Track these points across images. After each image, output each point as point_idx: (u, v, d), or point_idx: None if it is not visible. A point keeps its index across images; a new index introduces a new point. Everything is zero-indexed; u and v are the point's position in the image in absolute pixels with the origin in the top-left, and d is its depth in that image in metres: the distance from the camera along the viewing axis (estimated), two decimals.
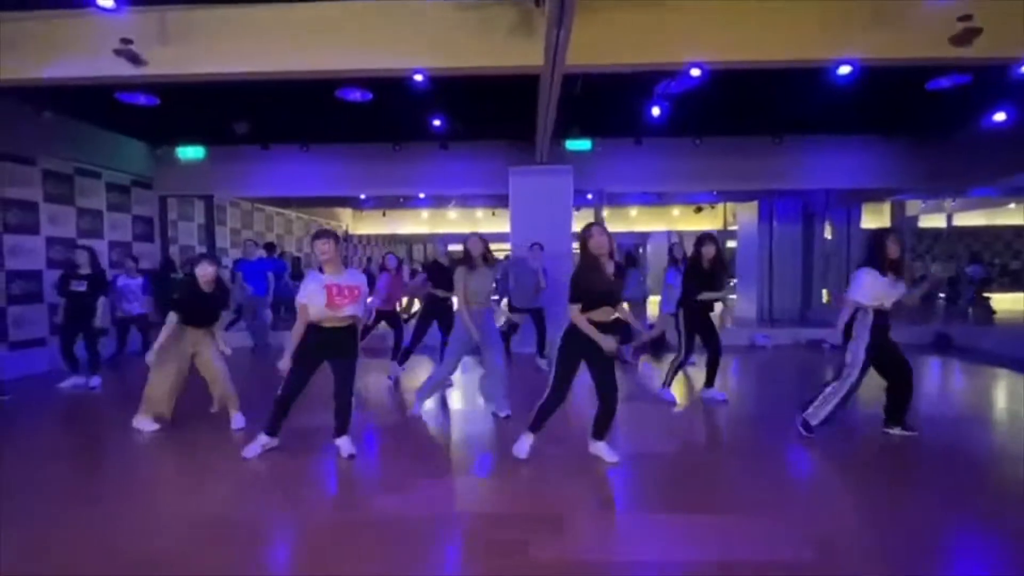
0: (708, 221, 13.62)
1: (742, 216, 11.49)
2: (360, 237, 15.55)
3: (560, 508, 2.86)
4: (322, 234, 3.37)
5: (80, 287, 5.48)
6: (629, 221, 14.40)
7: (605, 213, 9.09)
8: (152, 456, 3.81)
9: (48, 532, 2.64)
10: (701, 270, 4.67)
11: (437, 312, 5.52)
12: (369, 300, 4.70)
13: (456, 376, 5.17)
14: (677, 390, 5.07)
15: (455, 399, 5.15)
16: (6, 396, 5.21)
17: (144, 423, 4.17)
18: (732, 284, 11.35)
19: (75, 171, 7.11)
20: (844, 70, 4.53)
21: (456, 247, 5.79)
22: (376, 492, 3.16)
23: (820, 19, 4.16)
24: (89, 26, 4.32)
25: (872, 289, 3.61)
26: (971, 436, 3.99)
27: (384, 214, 15.04)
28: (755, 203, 10.64)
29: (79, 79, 4.51)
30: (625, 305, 3.46)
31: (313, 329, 3.42)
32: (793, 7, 4.23)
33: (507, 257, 7.52)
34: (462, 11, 4.47)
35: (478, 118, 6.89)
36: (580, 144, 7.72)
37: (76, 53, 4.38)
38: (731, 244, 12.58)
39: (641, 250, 14.75)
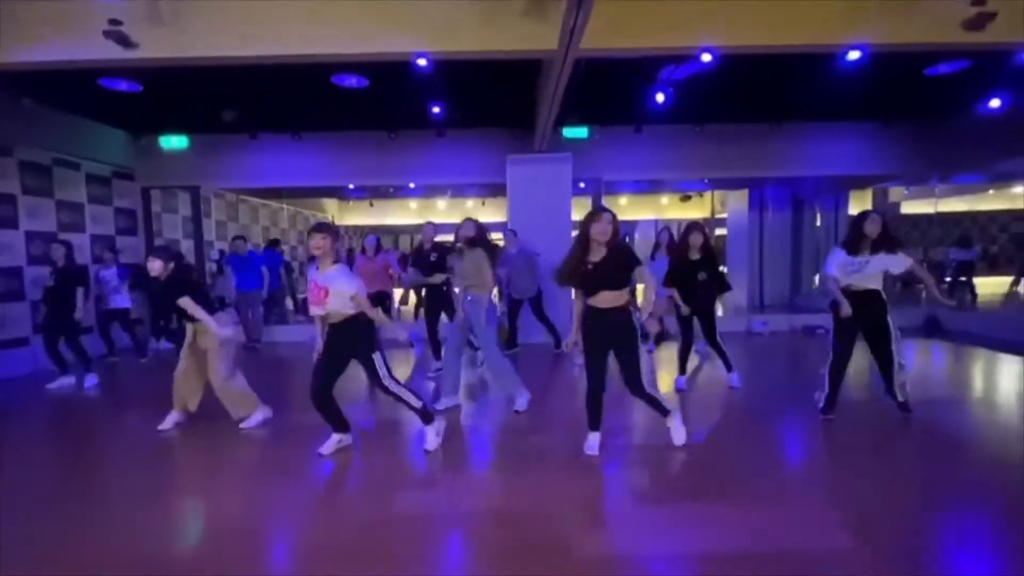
0: (696, 209, 13.70)
1: (732, 204, 11.57)
2: (347, 228, 15.24)
3: (595, 502, 2.82)
4: (320, 228, 3.26)
5: (51, 282, 5.31)
6: (618, 210, 14.34)
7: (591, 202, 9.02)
8: (151, 459, 3.66)
9: (61, 537, 2.50)
10: (687, 259, 4.64)
11: (437, 301, 5.44)
12: None
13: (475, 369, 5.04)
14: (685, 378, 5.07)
15: (475, 393, 5.06)
16: None
17: (167, 419, 4.05)
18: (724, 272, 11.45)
19: (53, 162, 6.76)
20: (854, 55, 4.52)
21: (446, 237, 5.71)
22: (401, 489, 3.07)
23: (835, 3, 4.12)
24: (76, 7, 4.07)
25: (836, 266, 3.74)
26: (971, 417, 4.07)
27: (371, 204, 14.75)
28: (745, 191, 10.72)
29: (66, 63, 4.25)
30: (640, 296, 3.41)
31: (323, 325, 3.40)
32: None
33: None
34: None
35: (476, 105, 6.75)
36: (577, 132, 7.64)
37: (63, 35, 4.12)
38: (719, 232, 12.71)
39: (628, 239, 14.78)
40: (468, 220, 4.23)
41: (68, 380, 5.47)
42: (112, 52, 4.22)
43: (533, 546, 2.38)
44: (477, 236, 4.16)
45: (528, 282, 6.25)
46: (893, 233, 3.81)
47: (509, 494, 2.92)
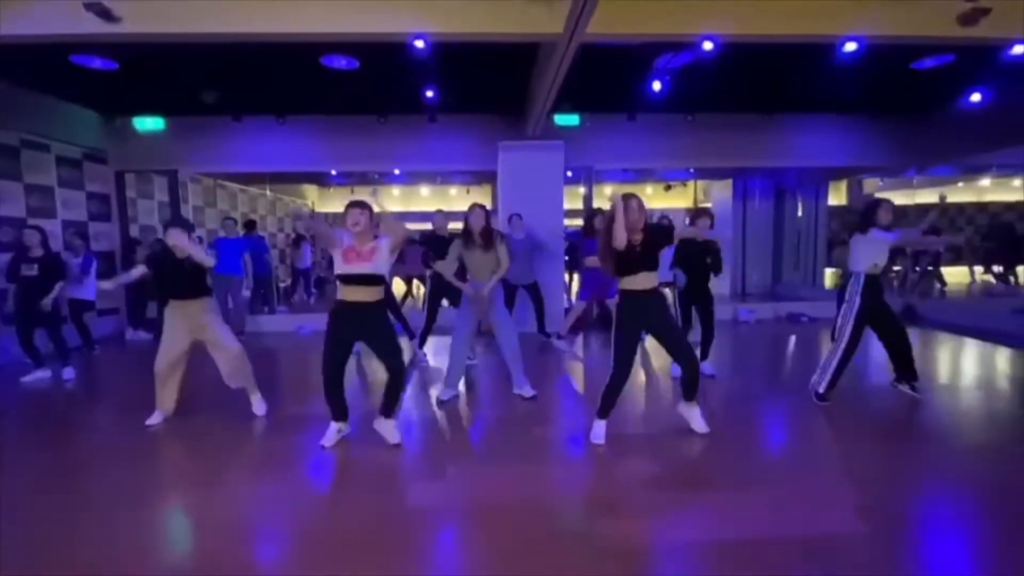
0: (679, 199, 13.82)
1: (715, 193, 11.70)
2: (327, 215, 14.90)
3: (613, 491, 2.83)
4: (359, 203, 3.15)
5: (31, 271, 5.00)
6: (604, 199, 14.40)
7: (581, 191, 9.01)
8: (143, 454, 3.53)
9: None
10: (694, 242, 4.64)
11: (444, 289, 5.37)
12: None
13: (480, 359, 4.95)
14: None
15: (482, 382, 5.02)
16: None
17: (153, 416, 3.88)
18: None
19: (22, 143, 6.41)
20: (850, 47, 4.58)
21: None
22: (415, 480, 3.03)
23: None
24: None
25: (890, 237, 3.69)
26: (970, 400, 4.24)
27: (352, 191, 14.44)
28: (729, 181, 10.85)
29: (42, 37, 4.00)
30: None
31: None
32: None
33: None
34: None
35: (468, 89, 6.62)
36: (568, 119, 7.59)
37: (40, 7, 3.87)
38: None
39: None
40: (477, 207, 4.10)
41: (44, 373, 5.23)
42: (92, 26, 3.99)
43: (555, 534, 2.38)
44: (489, 225, 4.11)
45: (527, 268, 6.20)
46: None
47: (522, 483, 2.91)
